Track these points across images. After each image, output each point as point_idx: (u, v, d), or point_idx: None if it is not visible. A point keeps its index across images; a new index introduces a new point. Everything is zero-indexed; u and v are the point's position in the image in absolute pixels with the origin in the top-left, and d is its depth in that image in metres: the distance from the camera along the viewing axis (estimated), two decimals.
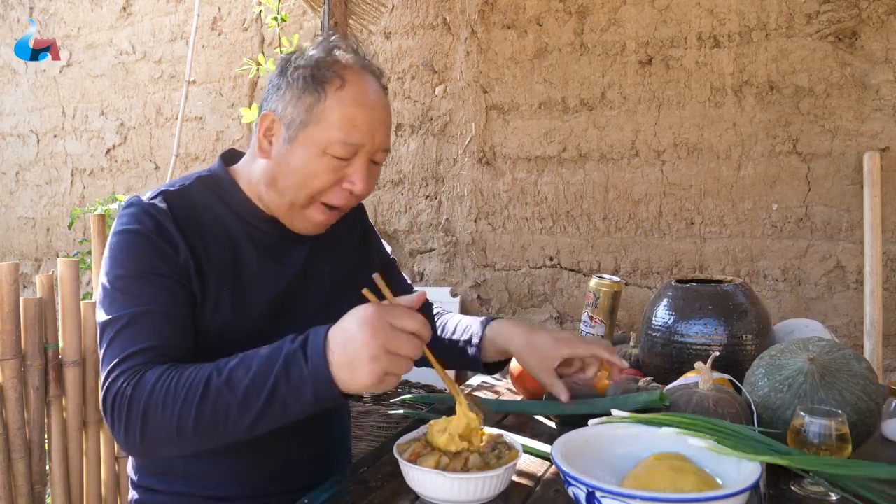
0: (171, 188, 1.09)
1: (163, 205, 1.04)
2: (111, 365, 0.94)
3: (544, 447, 1.08)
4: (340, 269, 1.23)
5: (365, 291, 0.91)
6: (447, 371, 1.01)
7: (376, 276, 0.92)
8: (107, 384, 0.93)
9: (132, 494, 1.16)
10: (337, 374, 0.85)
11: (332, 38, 1.11)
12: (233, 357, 0.91)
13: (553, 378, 1.16)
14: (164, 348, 0.96)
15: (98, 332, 1.00)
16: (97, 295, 1.03)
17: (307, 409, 0.88)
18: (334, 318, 1.07)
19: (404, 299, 0.90)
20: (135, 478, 1.16)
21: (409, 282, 1.46)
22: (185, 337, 1.00)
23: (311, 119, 1.04)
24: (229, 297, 1.06)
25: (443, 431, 0.95)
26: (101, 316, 0.99)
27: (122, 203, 1.07)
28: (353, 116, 1.04)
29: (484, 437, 0.98)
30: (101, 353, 0.98)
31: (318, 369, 0.85)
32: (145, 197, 1.06)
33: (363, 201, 1.25)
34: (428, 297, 1.38)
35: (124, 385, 0.91)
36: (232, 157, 1.22)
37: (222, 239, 1.08)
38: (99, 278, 1.04)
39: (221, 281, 1.06)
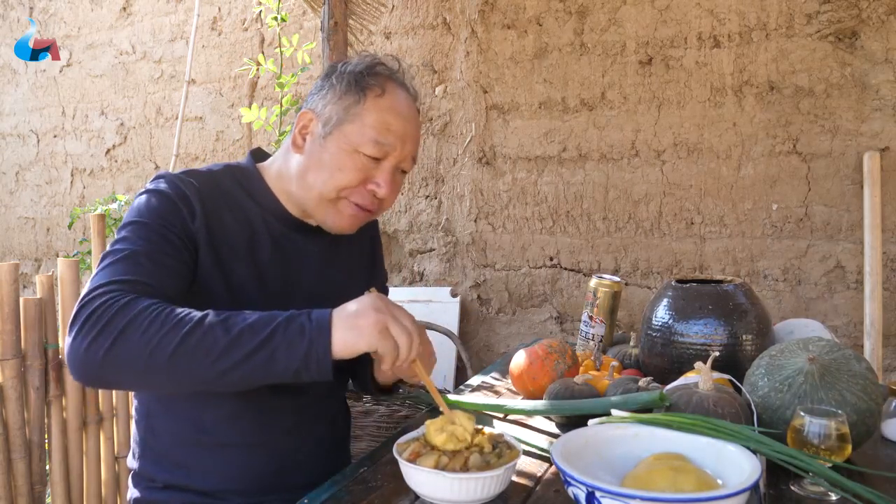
0: (199, 169, 1.15)
1: (190, 179, 1.09)
2: (102, 282, 0.92)
3: (544, 447, 1.08)
4: (344, 278, 1.26)
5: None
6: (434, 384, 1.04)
7: (372, 291, 0.98)
8: (90, 296, 0.90)
9: (132, 493, 1.16)
10: (338, 334, 0.89)
11: (379, 56, 1.18)
12: (233, 312, 0.93)
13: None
14: (156, 290, 0.95)
15: (101, 255, 1.01)
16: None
17: (291, 367, 0.88)
18: None
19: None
20: (136, 465, 1.16)
21: None
22: (176, 293, 1.00)
23: (347, 117, 1.10)
24: (240, 274, 1.10)
25: (440, 431, 0.96)
26: (110, 247, 1.01)
27: (155, 175, 1.14)
28: (388, 121, 1.10)
29: (483, 434, 0.98)
30: (93, 274, 0.96)
31: (320, 328, 0.89)
32: (176, 174, 1.11)
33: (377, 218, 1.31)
34: None
35: (115, 297, 0.89)
36: (260, 154, 1.26)
37: (241, 222, 1.12)
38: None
39: (235, 258, 1.10)
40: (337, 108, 1.11)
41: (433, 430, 0.96)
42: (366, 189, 1.12)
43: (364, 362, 1.27)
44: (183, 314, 0.89)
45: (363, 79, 1.11)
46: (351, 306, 0.93)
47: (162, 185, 1.08)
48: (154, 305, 0.89)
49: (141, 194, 1.08)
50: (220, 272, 1.08)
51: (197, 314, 0.89)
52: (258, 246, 1.13)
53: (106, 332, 0.86)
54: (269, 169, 1.20)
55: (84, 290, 0.93)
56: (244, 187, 1.16)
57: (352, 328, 0.90)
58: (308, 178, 1.12)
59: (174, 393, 1.11)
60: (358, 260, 1.32)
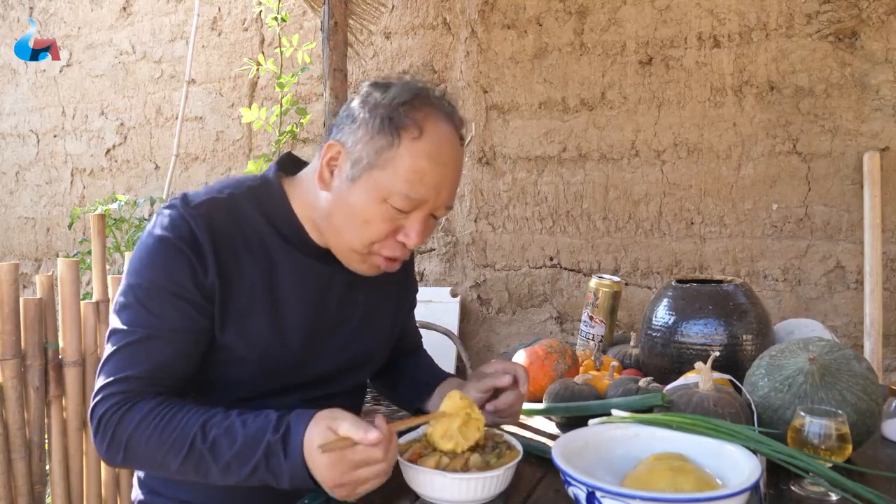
0: (220, 195, 1.05)
1: (204, 214, 1.01)
2: (107, 381, 0.96)
3: (544, 447, 1.08)
4: (375, 299, 1.19)
5: (321, 447, 0.87)
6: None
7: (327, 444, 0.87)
8: (97, 399, 0.96)
9: (136, 493, 1.16)
10: (316, 473, 0.89)
11: (421, 79, 1.06)
12: (218, 417, 0.93)
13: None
14: (162, 376, 0.98)
15: (108, 330, 1.00)
16: (120, 286, 1.02)
17: (284, 487, 0.92)
18: (361, 346, 1.15)
19: (360, 435, 0.86)
20: (140, 475, 1.16)
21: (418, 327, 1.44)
22: (187, 364, 1.00)
23: (378, 162, 0.99)
24: (258, 318, 1.04)
25: (445, 436, 0.95)
26: (115, 320, 0.99)
27: (169, 200, 1.06)
28: (423, 170, 0.99)
29: (481, 428, 0.98)
30: (103, 355, 0.99)
31: (296, 468, 0.89)
32: (191, 202, 1.03)
33: None
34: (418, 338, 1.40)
35: (113, 410, 0.94)
36: (288, 164, 1.16)
37: (259, 257, 1.05)
38: (125, 271, 1.03)
39: (252, 301, 1.03)
40: (368, 150, 0.99)
41: (437, 436, 0.96)
42: (395, 240, 1.03)
43: (404, 387, 1.30)
44: (175, 432, 0.92)
45: (399, 116, 0.98)
46: (313, 464, 0.88)
47: (172, 231, 0.99)
48: (149, 420, 0.93)
49: (152, 235, 1.00)
50: (235, 319, 1.02)
51: (187, 434, 0.92)
52: (278, 280, 1.06)
53: (114, 447, 0.94)
54: (296, 188, 1.10)
55: (96, 382, 0.98)
56: (266, 215, 1.07)
57: (322, 485, 0.89)
58: (334, 221, 1.04)
59: None
60: (386, 278, 1.19)
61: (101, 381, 0.97)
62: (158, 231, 1.00)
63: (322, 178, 1.04)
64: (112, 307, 1.02)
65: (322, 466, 0.87)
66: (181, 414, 0.94)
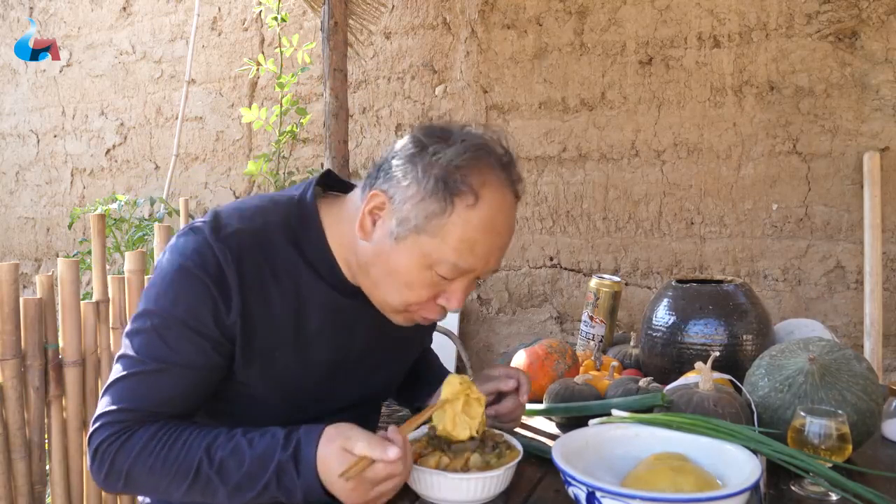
0: (252, 223, 0.99)
1: (234, 247, 0.95)
2: (108, 408, 0.93)
3: (544, 447, 1.08)
4: (402, 331, 1.11)
5: (342, 475, 0.86)
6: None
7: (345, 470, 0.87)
8: (97, 425, 0.93)
9: (143, 497, 1.15)
10: (329, 486, 0.88)
11: (483, 133, 0.98)
12: (223, 438, 0.91)
13: None
14: (166, 409, 0.95)
15: (118, 353, 0.97)
16: (137, 308, 0.98)
17: (297, 501, 0.91)
18: (384, 377, 1.15)
19: (379, 453, 0.86)
20: None
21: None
22: (195, 399, 0.97)
23: (427, 228, 0.91)
24: (283, 355, 1.00)
25: (457, 426, 0.95)
26: (127, 344, 0.95)
27: (198, 220, 0.99)
28: (474, 241, 0.92)
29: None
30: (110, 376, 0.96)
31: (310, 485, 0.88)
32: (218, 230, 0.96)
33: None
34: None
35: (111, 439, 0.92)
36: (328, 182, 1.09)
37: (289, 291, 0.99)
38: (143, 292, 0.98)
39: (277, 337, 0.99)
40: (417, 212, 0.91)
41: (451, 429, 0.96)
42: (435, 303, 0.98)
43: (408, 385, 1.28)
44: (179, 457, 0.90)
45: (455, 181, 0.90)
46: (330, 483, 0.87)
47: (197, 261, 0.93)
48: (150, 447, 0.91)
49: (176, 263, 0.94)
50: (259, 356, 0.98)
51: (192, 459, 0.90)
52: (307, 316, 1.01)
53: (111, 478, 0.92)
54: (334, 220, 1.03)
55: (98, 406, 0.95)
56: (300, 248, 1.00)
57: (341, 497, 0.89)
58: (372, 273, 0.98)
59: None
60: None
61: (102, 407, 0.94)
62: (182, 258, 0.94)
63: (363, 227, 0.96)
64: (126, 328, 0.98)
65: (345, 492, 0.86)
66: (183, 438, 0.91)
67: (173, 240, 0.98)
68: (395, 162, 0.95)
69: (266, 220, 1.00)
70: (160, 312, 0.93)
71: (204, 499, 0.91)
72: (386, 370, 1.17)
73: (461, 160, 0.91)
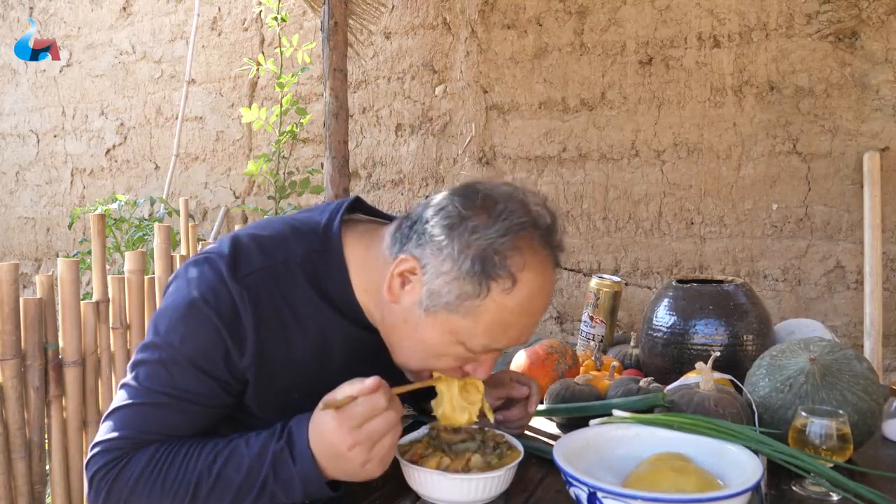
0: (273, 262, 0.93)
1: (252, 288, 0.91)
2: (107, 436, 0.90)
3: (545, 447, 1.08)
4: None
5: (325, 402, 0.86)
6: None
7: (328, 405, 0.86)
8: (94, 452, 0.90)
9: None
10: (333, 474, 0.86)
11: (526, 200, 0.89)
12: (220, 446, 0.89)
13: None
14: (165, 438, 0.92)
15: (122, 382, 0.94)
16: (145, 336, 0.94)
17: (298, 500, 0.88)
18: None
19: (358, 387, 0.85)
20: None
21: None
22: (197, 430, 0.94)
23: (459, 309, 0.86)
24: (303, 394, 0.93)
25: (456, 409, 0.95)
26: (131, 374, 0.93)
27: (214, 249, 0.94)
28: (508, 324, 0.87)
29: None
30: (112, 404, 0.93)
31: (307, 470, 0.85)
32: (239, 271, 0.91)
33: None
34: None
35: (109, 466, 0.89)
36: (355, 209, 1.05)
37: (310, 332, 0.95)
38: (152, 320, 0.94)
39: (298, 377, 0.96)
40: (450, 289, 0.86)
41: (450, 412, 0.96)
42: (460, 368, 0.95)
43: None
44: (178, 478, 0.87)
45: (494, 265, 0.84)
46: (329, 448, 0.84)
47: (211, 299, 0.89)
48: (148, 470, 0.88)
49: (189, 296, 0.90)
50: (275, 396, 0.95)
51: (191, 477, 0.87)
52: (330, 357, 0.98)
53: (111, 502, 0.88)
54: (360, 261, 0.97)
55: (97, 435, 0.92)
56: (323, 292, 0.95)
57: (341, 471, 0.86)
58: (396, 338, 0.95)
59: None
60: None
61: (101, 434, 0.91)
62: (196, 293, 0.90)
63: (391, 289, 0.91)
64: (132, 358, 0.94)
65: (330, 432, 0.83)
66: (181, 457, 0.89)
67: (187, 267, 0.94)
68: (429, 228, 0.88)
69: (287, 257, 0.95)
70: (168, 347, 0.90)
71: None
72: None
73: (501, 243, 0.84)
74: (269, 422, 0.92)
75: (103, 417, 0.94)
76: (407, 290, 0.90)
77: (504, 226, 0.85)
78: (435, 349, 0.91)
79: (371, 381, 0.84)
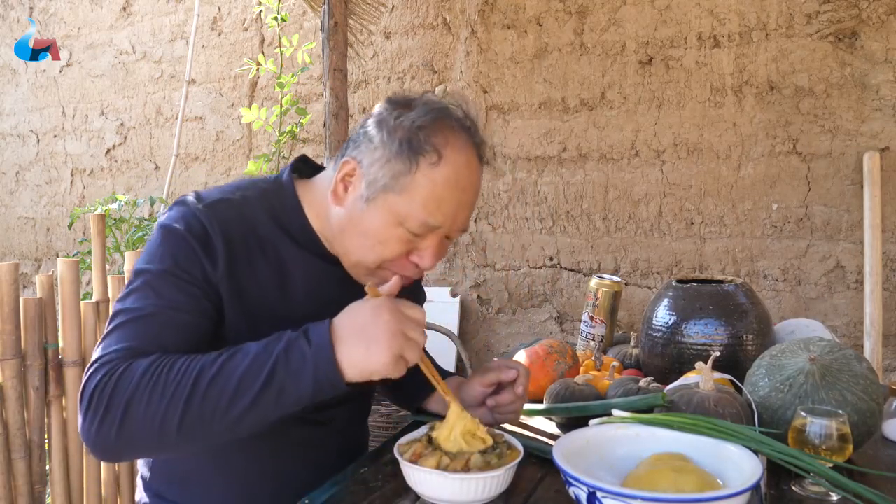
0: (232, 196, 1.03)
1: (218, 215, 0.99)
2: (103, 353, 0.90)
3: (545, 447, 1.08)
4: None
5: (369, 287, 0.93)
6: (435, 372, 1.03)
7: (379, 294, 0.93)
8: (91, 370, 0.88)
9: (141, 496, 1.15)
10: (347, 356, 0.86)
11: (447, 97, 1.04)
12: (231, 348, 0.88)
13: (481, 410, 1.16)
14: (160, 351, 0.92)
15: (112, 313, 0.96)
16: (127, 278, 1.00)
17: (304, 398, 0.86)
18: None
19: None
20: (147, 475, 1.13)
21: None
22: (188, 348, 0.94)
23: (395, 187, 0.97)
24: (269, 321, 0.98)
25: (449, 439, 0.95)
26: (119, 302, 0.96)
27: (181, 196, 1.04)
28: (440, 198, 0.97)
29: (483, 429, 0.98)
30: (104, 333, 0.94)
31: (321, 350, 0.85)
32: (201, 200, 1.01)
33: None
34: None
35: (109, 374, 0.86)
36: (302, 166, 1.15)
37: (272, 260, 1.03)
38: (134, 263, 1.01)
39: (263, 303, 1.01)
40: (384, 172, 0.97)
41: (442, 439, 0.95)
42: (408, 260, 1.02)
43: (406, 386, 1.25)
44: (180, 373, 0.85)
45: (418, 140, 0.96)
46: (358, 317, 0.88)
47: (181, 223, 0.97)
48: (150, 372, 0.85)
49: (161, 227, 0.99)
50: (246, 320, 1.00)
51: (193, 369, 0.85)
52: (291, 283, 1.05)
53: (111, 414, 0.84)
54: (309, 195, 1.09)
55: (91, 358, 0.91)
56: (278, 220, 1.05)
57: (367, 356, 0.85)
58: (346, 239, 1.03)
59: (197, 451, 1.04)
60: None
61: (95, 355, 0.91)
62: (168, 223, 0.98)
63: (336, 193, 1.02)
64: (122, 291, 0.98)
65: (379, 321, 0.86)
66: (184, 357, 0.87)
67: (161, 216, 1.02)
68: (361, 131, 1.02)
69: (246, 195, 1.05)
70: (149, 269, 0.96)
71: (201, 425, 0.84)
72: None
73: (423, 121, 0.97)
74: None
75: (100, 339, 0.94)
76: (350, 191, 1.01)
77: (424, 109, 0.98)
78: (379, 235, 0.99)
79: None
